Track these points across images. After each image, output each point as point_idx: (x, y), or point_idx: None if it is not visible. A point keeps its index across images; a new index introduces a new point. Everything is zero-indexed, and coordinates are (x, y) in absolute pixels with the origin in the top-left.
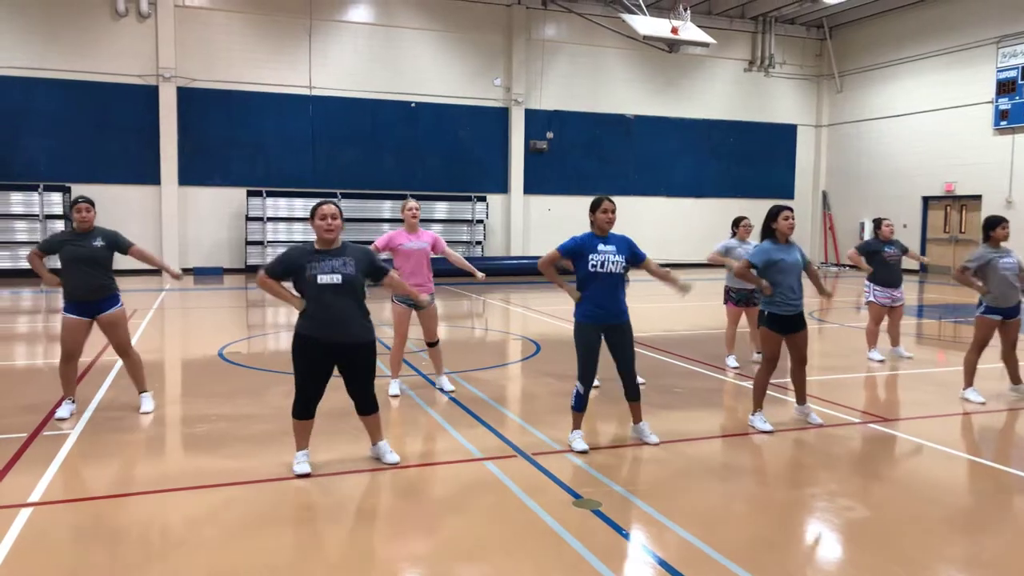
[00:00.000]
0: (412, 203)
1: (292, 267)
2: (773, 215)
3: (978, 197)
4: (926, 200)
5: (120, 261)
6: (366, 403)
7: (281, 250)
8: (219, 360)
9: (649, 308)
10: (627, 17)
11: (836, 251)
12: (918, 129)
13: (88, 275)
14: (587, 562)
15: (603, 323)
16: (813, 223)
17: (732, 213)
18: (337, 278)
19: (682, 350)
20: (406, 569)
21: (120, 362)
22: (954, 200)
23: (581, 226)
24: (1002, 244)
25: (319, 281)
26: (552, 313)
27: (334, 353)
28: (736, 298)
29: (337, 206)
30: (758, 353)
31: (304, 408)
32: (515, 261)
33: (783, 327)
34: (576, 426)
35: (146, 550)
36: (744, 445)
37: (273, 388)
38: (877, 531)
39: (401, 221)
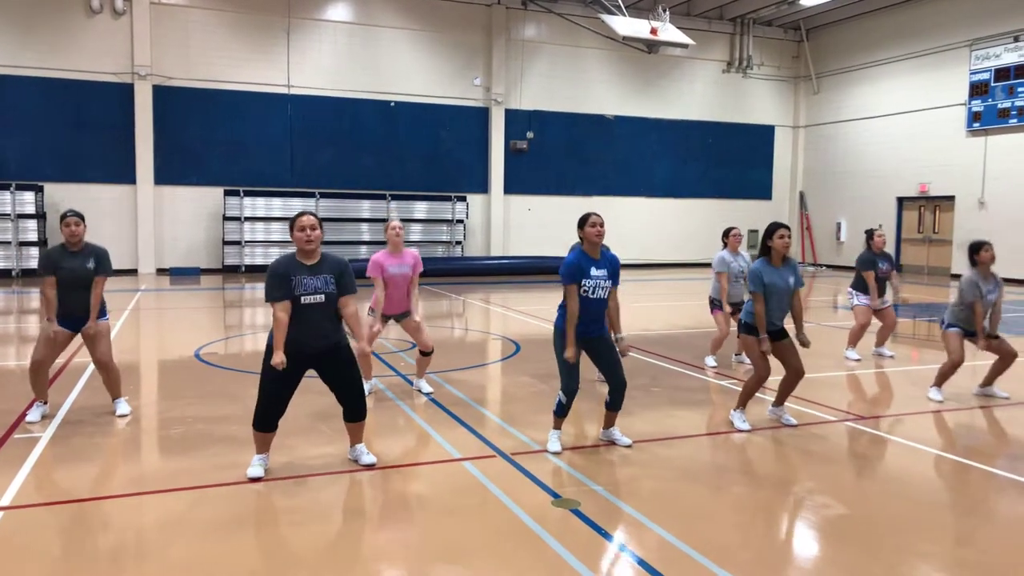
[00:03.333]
0: (395, 223)
1: (284, 281)
2: (769, 233)
3: (951, 198)
4: (900, 200)
5: None
6: (356, 408)
7: (259, 251)
8: (195, 361)
9: (628, 308)
10: (607, 18)
11: (813, 251)
12: (893, 131)
13: (82, 297)
14: (566, 562)
15: (584, 337)
16: (791, 223)
17: (711, 213)
18: (320, 298)
19: (659, 349)
20: (385, 570)
21: (92, 366)
22: (928, 201)
23: (560, 226)
24: (991, 269)
25: (303, 302)
26: (532, 313)
27: (309, 361)
28: (721, 305)
29: (315, 215)
30: (737, 355)
31: (266, 420)
32: (495, 261)
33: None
34: (556, 426)
35: (120, 554)
36: (722, 444)
37: (250, 389)
38: (854, 528)
39: (380, 220)
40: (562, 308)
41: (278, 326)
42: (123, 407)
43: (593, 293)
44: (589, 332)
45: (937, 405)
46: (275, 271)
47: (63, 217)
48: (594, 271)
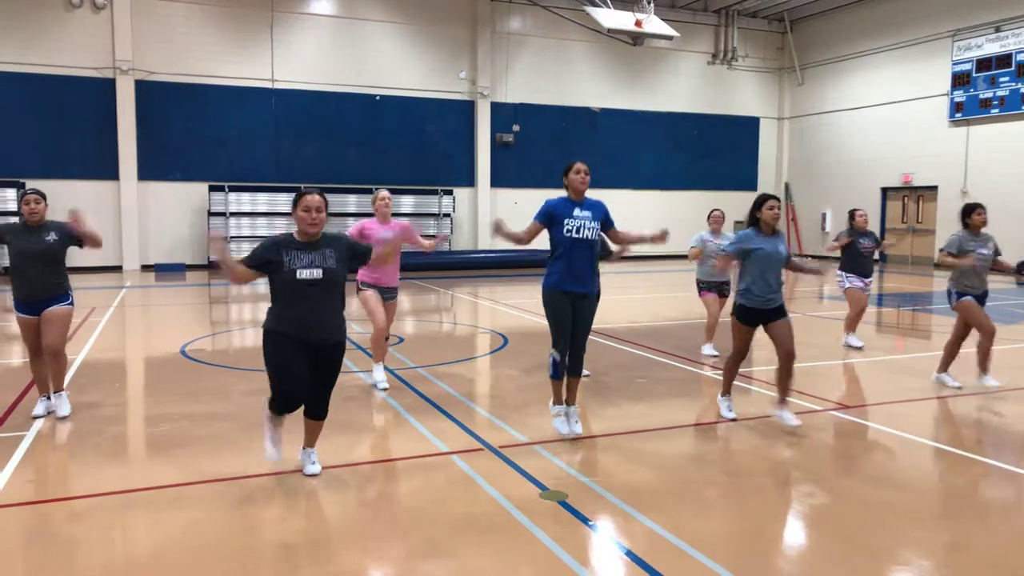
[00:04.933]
0: (384, 193)
1: (267, 259)
2: (758, 204)
3: (934, 188)
4: (884, 191)
5: (80, 259)
6: (320, 407)
7: (245, 246)
8: (181, 358)
9: (614, 300)
10: (591, 10)
11: (799, 242)
12: (876, 121)
13: (40, 272)
14: (555, 554)
15: (573, 291)
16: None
17: (697, 205)
18: (317, 273)
19: (647, 340)
20: (373, 564)
21: (77, 362)
22: (911, 191)
23: None
24: (982, 231)
25: (298, 276)
26: (519, 306)
27: (307, 350)
28: (707, 288)
29: (323, 196)
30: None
31: (288, 405)
32: (482, 255)
33: (751, 319)
34: (556, 398)
35: (104, 553)
36: (710, 435)
37: (237, 386)
38: (841, 518)
39: (370, 214)
40: (550, 266)
41: (232, 270)
42: (65, 407)
43: (578, 233)
44: (579, 286)
45: (921, 393)
46: (265, 246)
47: (24, 195)
48: (577, 211)
